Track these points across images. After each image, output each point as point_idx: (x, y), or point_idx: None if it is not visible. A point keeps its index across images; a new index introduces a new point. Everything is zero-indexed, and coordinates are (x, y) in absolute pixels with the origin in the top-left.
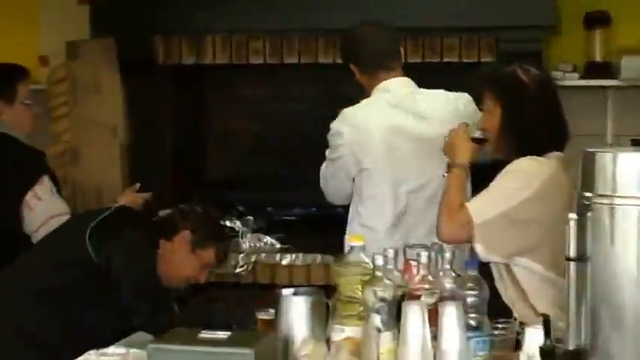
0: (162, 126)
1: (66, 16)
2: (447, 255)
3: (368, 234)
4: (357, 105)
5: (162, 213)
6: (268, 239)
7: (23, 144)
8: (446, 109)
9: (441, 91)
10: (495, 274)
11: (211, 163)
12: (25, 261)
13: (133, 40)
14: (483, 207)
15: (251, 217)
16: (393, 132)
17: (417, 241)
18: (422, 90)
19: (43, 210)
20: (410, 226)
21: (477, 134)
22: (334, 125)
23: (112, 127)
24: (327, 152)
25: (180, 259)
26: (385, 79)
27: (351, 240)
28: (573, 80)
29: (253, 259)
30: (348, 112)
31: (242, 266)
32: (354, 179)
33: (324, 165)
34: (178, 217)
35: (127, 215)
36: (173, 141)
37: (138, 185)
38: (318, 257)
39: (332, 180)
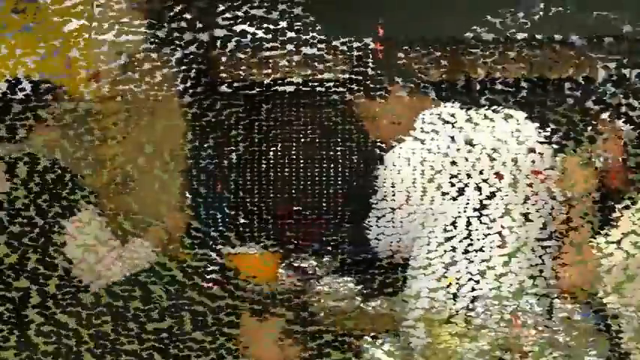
0: (227, 151)
1: (119, 28)
2: None
3: None
4: (403, 143)
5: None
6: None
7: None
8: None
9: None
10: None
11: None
12: None
13: (194, 55)
14: (613, 247)
15: (327, 256)
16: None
17: None
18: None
19: (86, 237)
20: None
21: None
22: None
23: (168, 151)
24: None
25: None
26: (434, 105)
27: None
28: None
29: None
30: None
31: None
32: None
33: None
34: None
35: None
36: (238, 168)
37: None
38: None
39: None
